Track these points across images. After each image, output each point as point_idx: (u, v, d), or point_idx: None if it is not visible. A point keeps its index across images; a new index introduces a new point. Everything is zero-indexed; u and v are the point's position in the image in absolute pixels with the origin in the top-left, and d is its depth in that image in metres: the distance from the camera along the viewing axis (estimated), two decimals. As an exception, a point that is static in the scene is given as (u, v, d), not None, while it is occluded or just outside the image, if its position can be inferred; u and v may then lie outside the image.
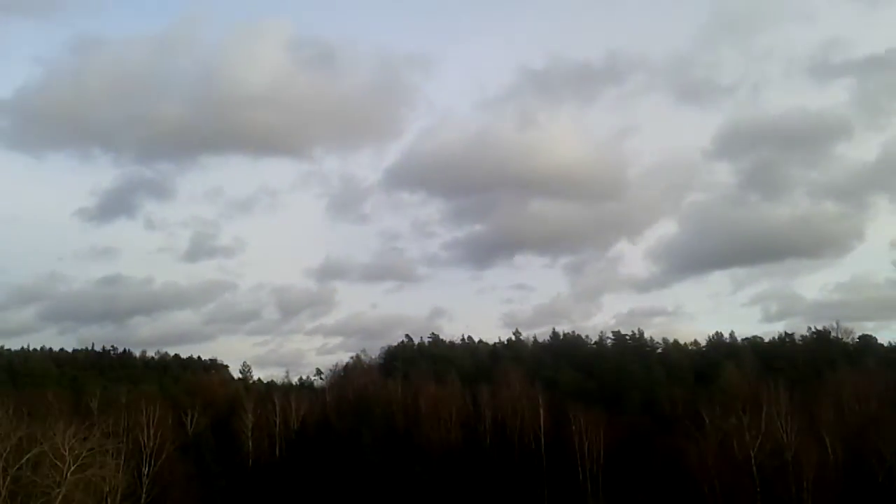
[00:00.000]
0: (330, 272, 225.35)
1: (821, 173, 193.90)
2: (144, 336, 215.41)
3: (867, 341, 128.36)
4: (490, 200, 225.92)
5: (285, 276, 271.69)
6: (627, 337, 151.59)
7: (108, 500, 49.00)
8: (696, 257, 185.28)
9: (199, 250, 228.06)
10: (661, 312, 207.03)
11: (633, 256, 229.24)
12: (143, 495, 61.00)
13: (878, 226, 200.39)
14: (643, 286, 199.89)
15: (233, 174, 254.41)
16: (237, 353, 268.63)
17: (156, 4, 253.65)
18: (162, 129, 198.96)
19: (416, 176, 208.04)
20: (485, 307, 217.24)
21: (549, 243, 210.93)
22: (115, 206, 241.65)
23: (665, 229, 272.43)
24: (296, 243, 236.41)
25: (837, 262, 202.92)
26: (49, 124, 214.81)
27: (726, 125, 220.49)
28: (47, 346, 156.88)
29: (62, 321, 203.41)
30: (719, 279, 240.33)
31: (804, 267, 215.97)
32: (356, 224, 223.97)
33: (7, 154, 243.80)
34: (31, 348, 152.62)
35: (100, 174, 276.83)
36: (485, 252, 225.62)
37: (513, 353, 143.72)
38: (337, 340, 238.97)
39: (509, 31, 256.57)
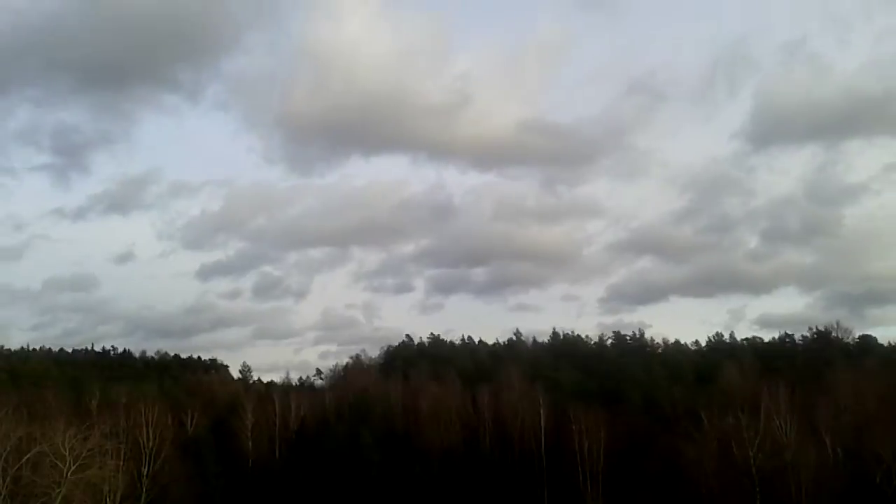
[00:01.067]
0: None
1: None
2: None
3: (867, 341, 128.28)
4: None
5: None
6: (627, 337, 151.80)
7: (108, 500, 49.05)
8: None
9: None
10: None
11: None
12: (143, 495, 61.03)
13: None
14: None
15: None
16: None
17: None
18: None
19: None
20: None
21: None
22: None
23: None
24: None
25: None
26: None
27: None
28: (47, 346, 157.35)
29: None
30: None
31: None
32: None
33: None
34: (31, 348, 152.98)
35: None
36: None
37: (513, 353, 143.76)
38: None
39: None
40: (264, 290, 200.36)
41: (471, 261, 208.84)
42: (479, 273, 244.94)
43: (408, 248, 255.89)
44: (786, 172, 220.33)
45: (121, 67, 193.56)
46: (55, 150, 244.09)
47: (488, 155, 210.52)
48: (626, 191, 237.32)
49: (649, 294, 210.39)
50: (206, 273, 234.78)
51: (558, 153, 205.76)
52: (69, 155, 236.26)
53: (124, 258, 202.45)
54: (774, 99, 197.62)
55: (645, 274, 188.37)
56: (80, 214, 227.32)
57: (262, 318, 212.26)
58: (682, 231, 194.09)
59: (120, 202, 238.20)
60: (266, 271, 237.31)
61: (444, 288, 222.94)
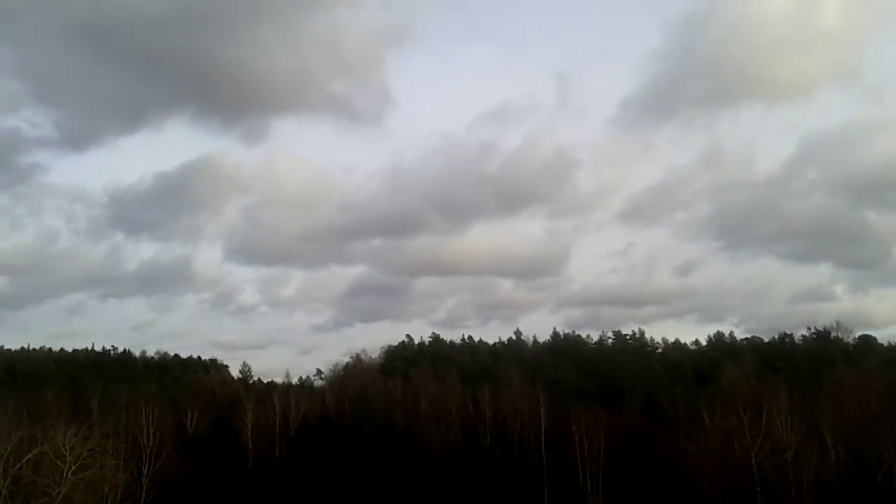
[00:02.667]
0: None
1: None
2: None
3: (867, 341, 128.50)
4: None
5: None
6: (627, 337, 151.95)
7: (108, 500, 49.00)
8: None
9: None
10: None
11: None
12: (143, 495, 60.98)
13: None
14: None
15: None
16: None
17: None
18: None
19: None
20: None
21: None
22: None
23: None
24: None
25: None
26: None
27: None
28: (47, 346, 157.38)
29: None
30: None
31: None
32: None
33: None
34: (31, 348, 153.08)
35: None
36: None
37: (513, 353, 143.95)
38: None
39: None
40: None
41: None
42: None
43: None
44: None
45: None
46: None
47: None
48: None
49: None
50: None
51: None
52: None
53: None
54: None
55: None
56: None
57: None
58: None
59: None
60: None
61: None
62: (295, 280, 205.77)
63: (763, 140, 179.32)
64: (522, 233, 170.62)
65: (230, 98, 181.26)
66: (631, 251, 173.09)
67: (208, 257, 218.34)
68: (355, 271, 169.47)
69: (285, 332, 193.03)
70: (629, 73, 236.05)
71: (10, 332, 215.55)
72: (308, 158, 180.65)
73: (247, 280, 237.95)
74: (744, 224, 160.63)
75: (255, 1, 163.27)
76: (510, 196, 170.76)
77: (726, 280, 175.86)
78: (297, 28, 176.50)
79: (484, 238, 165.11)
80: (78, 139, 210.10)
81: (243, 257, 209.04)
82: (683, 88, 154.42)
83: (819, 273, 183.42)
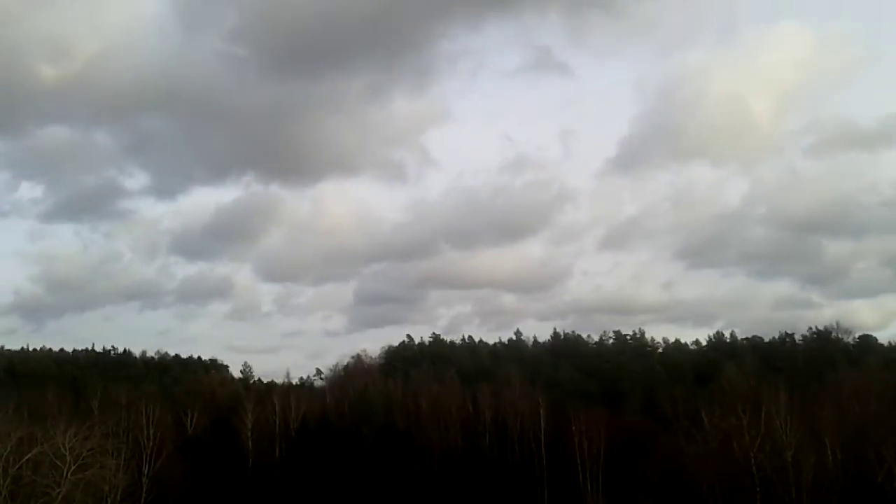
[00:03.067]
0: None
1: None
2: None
3: (867, 341, 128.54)
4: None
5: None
6: (628, 337, 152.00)
7: (108, 500, 49.01)
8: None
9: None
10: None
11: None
12: (143, 495, 61.03)
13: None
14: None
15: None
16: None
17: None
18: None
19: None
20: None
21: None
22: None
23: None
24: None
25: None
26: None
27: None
28: (47, 346, 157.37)
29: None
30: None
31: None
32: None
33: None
34: (31, 348, 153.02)
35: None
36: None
37: (513, 353, 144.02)
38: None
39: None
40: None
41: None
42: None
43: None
44: None
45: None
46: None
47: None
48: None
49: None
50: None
51: None
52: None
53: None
54: None
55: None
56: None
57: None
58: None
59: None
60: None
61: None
62: (313, 293, 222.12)
63: (719, 185, 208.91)
64: (524, 255, 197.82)
65: (291, 162, 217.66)
66: (617, 270, 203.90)
67: (241, 275, 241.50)
68: (369, 285, 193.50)
69: (298, 336, 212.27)
70: (615, 132, 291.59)
71: (41, 336, 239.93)
72: (346, 201, 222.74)
73: (270, 293, 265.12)
74: (708, 248, 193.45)
75: (329, 94, 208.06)
76: (516, 226, 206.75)
77: (707, 292, 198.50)
78: (361, 115, 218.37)
79: (489, 259, 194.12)
80: (163, 189, 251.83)
81: (270, 275, 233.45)
82: (655, 147, 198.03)
83: (783, 287, 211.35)
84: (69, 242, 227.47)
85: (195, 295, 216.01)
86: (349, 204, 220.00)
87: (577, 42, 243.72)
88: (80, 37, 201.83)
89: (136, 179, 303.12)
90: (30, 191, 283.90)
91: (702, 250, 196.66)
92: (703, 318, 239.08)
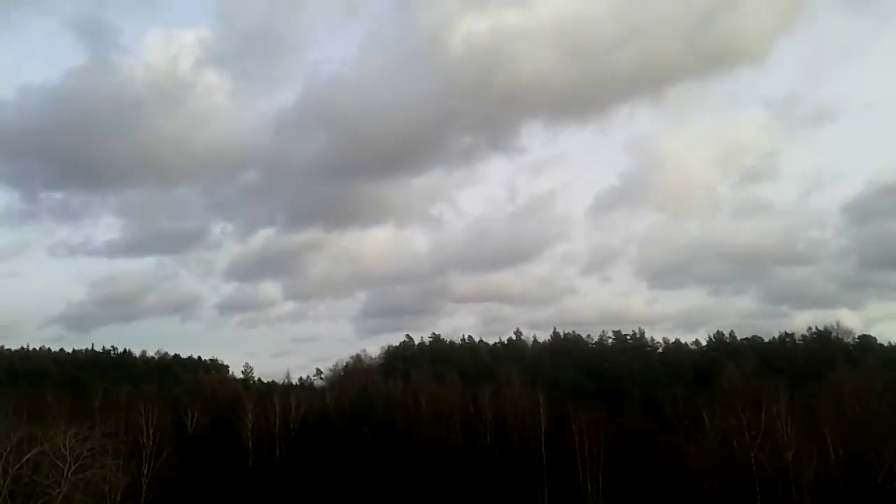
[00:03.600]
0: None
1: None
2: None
3: (867, 341, 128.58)
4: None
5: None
6: (628, 337, 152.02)
7: (108, 500, 49.03)
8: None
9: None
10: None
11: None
12: (143, 495, 61.07)
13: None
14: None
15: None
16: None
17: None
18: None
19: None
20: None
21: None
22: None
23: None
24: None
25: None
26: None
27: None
28: (47, 346, 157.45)
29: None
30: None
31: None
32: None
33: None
34: (31, 348, 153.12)
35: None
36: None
37: (513, 352, 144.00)
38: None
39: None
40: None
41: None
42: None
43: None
44: None
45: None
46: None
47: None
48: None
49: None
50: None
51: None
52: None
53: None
54: None
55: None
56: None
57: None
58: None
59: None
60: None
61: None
62: (325, 307, 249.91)
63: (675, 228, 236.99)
64: (525, 274, 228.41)
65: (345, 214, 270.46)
66: (605, 286, 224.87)
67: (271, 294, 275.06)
68: (379, 300, 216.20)
69: (313, 340, 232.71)
70: (601, 180, 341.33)
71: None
72: (381, 240, 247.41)
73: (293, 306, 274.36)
74: (672, 270, 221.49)
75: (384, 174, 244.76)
76: (522, 251, 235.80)
77: (687, 302, 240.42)
78: (407, 178, 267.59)
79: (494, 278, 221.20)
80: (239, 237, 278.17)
81: (295, 293, 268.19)
82: (632, 197, 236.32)
83: (746, 301, 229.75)
84: (144, 270, 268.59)
85: (228, 309, 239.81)
86: (383, 242, 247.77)
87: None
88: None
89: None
90: (121, 231, 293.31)
91: (664, 273, 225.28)
92: (692, 324, 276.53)
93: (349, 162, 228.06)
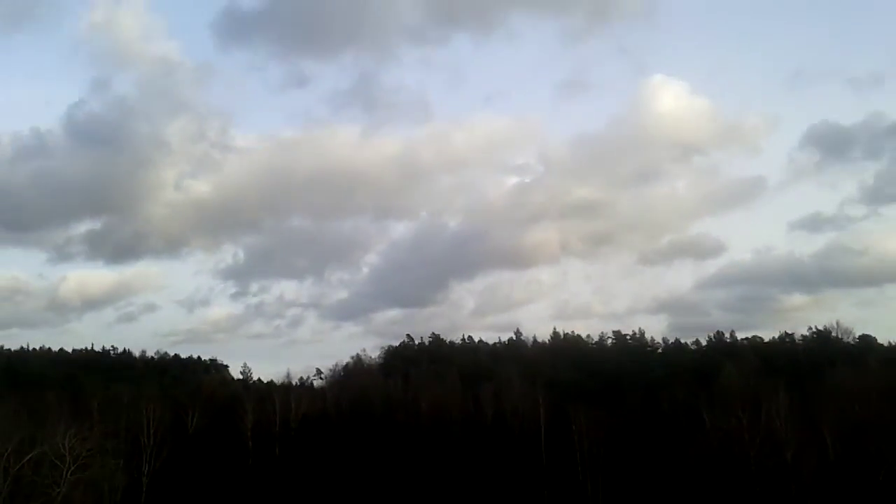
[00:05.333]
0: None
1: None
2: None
3: (867, 341, 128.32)
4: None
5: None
6: (628, 337, 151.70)
7: (108, 500, 49.05)
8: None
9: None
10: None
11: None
12: (143, 495, 61.07)
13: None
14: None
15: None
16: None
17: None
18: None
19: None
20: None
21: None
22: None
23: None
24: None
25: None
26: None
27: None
28: (47, 346, 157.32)
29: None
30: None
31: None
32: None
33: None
34: (31, 348, 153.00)
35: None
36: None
37: (513, 353, 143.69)
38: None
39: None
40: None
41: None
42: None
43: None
44: None
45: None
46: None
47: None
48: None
49: None
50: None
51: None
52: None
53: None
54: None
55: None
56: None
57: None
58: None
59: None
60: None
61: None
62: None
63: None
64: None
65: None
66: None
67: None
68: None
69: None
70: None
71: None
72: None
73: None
74: None
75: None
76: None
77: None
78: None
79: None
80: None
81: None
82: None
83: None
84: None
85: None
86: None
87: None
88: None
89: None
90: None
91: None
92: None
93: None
